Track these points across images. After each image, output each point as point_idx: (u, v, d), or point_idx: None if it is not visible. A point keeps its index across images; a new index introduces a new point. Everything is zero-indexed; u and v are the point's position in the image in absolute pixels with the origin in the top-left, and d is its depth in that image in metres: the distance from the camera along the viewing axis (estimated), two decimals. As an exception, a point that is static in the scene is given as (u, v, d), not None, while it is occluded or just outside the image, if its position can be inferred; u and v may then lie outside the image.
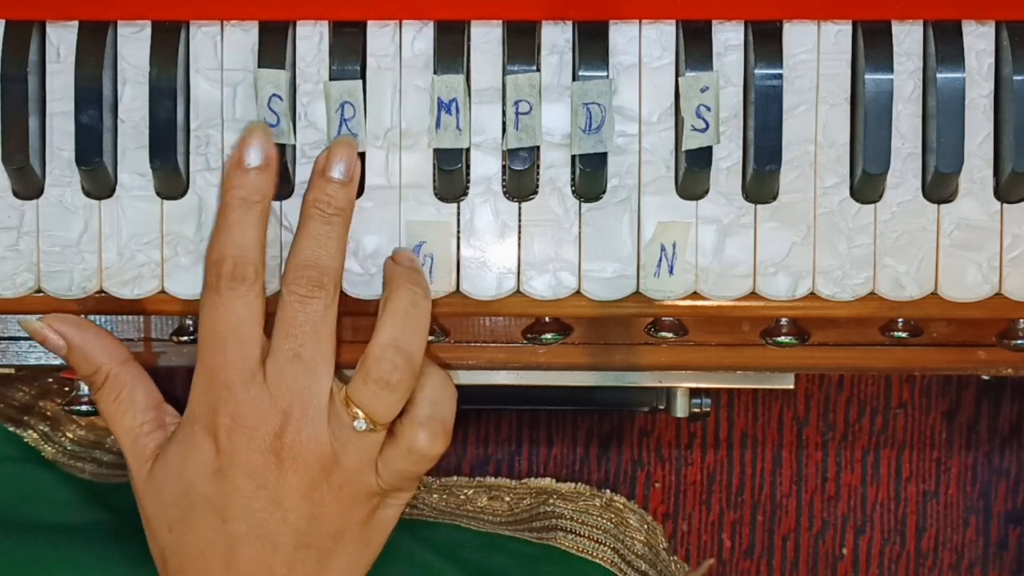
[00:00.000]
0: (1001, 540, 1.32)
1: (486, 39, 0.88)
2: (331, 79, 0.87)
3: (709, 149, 0.87)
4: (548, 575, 1.06)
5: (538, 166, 0.88)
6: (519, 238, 0.88)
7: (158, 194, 0.88)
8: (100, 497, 1.05)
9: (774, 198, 0.88)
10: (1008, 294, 0.88)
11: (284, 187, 0.88)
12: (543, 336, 0.91)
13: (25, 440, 1.08)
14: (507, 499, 1.13)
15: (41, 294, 0.89)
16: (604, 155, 0.87)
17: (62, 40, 0.88)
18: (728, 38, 0.88)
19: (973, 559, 1.32)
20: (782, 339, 0.91)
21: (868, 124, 0.86)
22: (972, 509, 1.32)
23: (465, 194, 0.88)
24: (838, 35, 0.88)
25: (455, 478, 1.14)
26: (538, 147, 0.87)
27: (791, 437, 1.31)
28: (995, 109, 0.88)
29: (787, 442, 1.31)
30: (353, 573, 0.88)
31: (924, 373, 1.30)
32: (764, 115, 0.86)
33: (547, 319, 0.90)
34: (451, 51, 0.87)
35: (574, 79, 0.87)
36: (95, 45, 0.87)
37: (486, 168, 0.88)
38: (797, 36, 0.88)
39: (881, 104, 0.86)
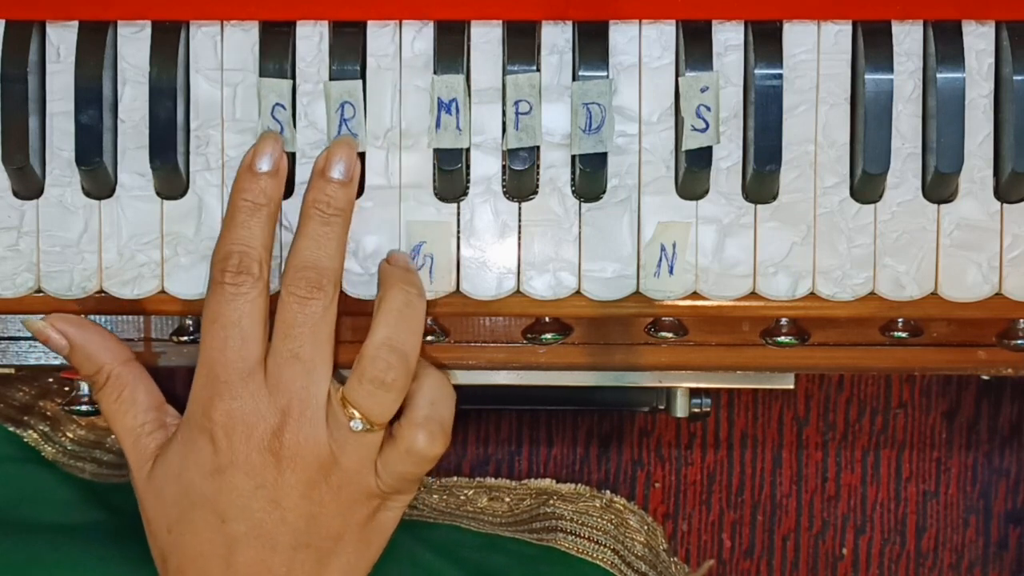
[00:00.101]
0: (1001, 540, 1.32)
1: (486, 39, 0.88)
2: (331, 79, 0.87)
3: (709, 149, 0.87)
4: (548, 576, 1.06)
5: (538, 166, 0.88)
6: (519, 238, 0.88)
7: (158, 194, 0.88)
8: (100, 497, 1.05)
9: (774, 198, 0.88)
10: (1008, 294, 0.88)
11: (285, 187, 0.88)
12: (543, 336, 0.91)
13: (25, 440, 1.08)
14: (507, 500, 1.13)
15: (41, 294, 0.89)
16: (604, 155, 0.87)
17: (62, 40, 0.88)
18: (728, 38, 0.88)
19: (973, 559, 1.32)
20: (782, 339, 0.91)
21: (868, 124, 0.86)
22: (972, 509, 1.32)
23: (465, 194, 0.88)
24: (838, 35, 0.88)
25: (455, 479, 1.14)
26: (538, 147, 0.87)
27: (791, 437, 1.31)
28: (995, 109, 0.88)
29: (787, 442, 1.31)
30: (353, 574, 0.88)
31: (924, 373, 1.30)
32: (764, 115, 0.86)
33: (547, 319, 0.90)
34: (451, 51, 0.87)
35: (574, 79, 0.87)
36: (95, 45, 0.87)
37: (486, 168, 0.88)
38: (797, 36, 0.88)
39: (881, 104, 0.86)
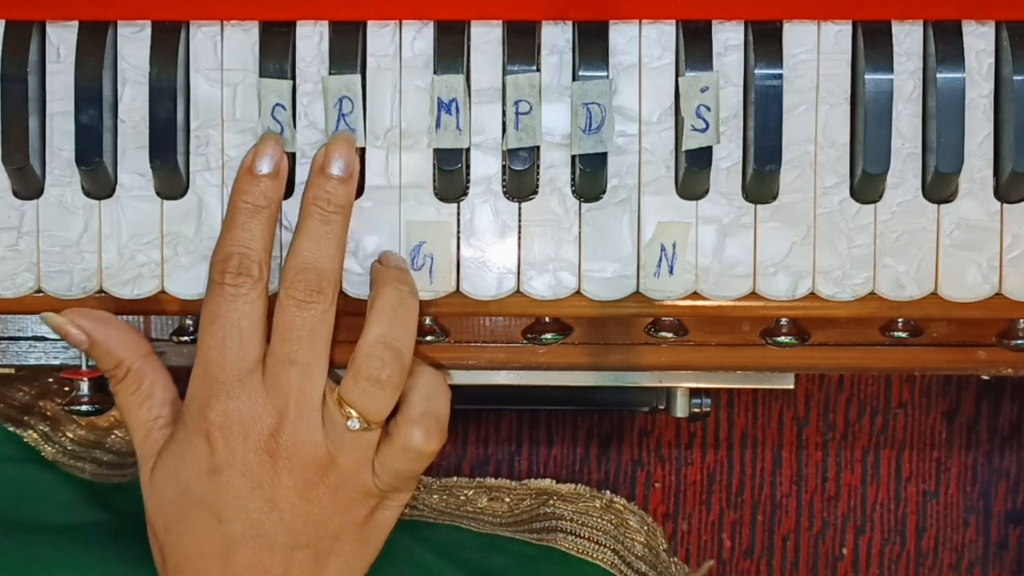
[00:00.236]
0: (1001, 540, 1.32)
1: (486, 39, 0.88)
2: (329, 74, 0.87)
3: (709, 149, 0.87)
4: (548, 576, 1.06)
5: (538, 166, 0.88)
6: (519, 238, 0.88)
7: (158, 194, 0.88)
8: (100, 497, 1.05)
9: (774, 198, 0.88)
10: (1008, 294, 0.88)
11: (285, 188, 0.88)
12: (543, 336, 0.91)
13: (25, 440, 1.08)
14: (507, 500, 1.13)
15: (41, 294, 0.88)
16: (604, 155, 0.87)
17: (62, 40, 0.88)
18: (728, 38, 0.88)
19: (973, 559, 1.32)
20: (782, 339, 0.91)
21: (868, 124, 0.86)
22: (972, 509, 1.32)
23: (465, 194, 0.88)
24: (838, 35, 0.88)
25: (455, 479, 1.14)
26: (538, 147, 0.87)
27: (791, 437, 1.31)
28: (995, 109, 0.88)
29: (787, 442, 1.31)
30: (351, 574, 0.88)
31: (924, 373, 1.30)
32: (764, 115, 0.86)
33: (547, 319, 0.90)
34: (451, 51, 0.87)
35: (574, 79, 0.87)
36: (95, 45, 0.87)
37: (486, 168, 0.88)
38: (797, 36, 0.88)
39: (881, 104, 0.86)
